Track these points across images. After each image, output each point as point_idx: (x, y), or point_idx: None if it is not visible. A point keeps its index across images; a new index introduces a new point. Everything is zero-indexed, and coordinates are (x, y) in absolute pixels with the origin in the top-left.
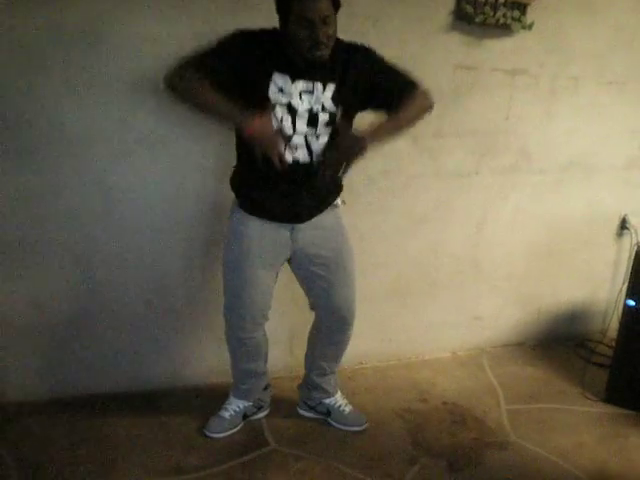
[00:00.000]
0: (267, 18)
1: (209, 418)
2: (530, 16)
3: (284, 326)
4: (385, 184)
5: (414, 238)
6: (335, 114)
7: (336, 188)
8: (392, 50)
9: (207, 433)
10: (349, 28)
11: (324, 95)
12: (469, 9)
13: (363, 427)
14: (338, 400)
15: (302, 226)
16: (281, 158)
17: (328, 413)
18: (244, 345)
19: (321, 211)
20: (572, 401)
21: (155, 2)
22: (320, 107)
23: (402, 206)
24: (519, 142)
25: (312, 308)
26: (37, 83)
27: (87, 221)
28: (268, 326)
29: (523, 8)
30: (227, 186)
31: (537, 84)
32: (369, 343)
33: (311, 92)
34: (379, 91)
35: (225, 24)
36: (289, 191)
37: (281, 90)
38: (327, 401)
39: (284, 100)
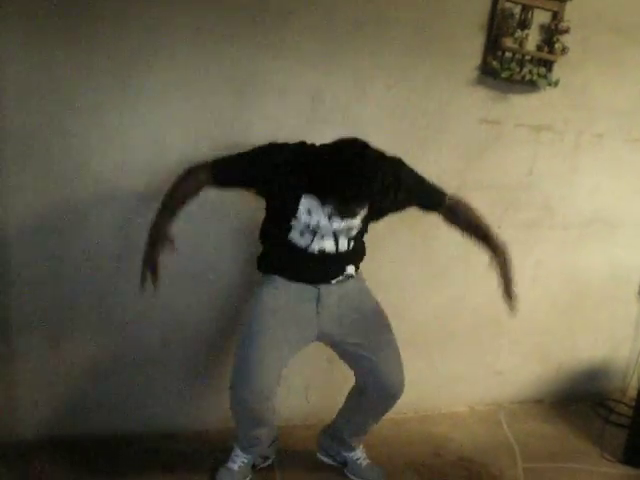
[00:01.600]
0: None
1: (218, 469)
2: (556, 73)
3: (300, 374)
4: (407, 236)
5: (434, 290)
6: (360, 230)
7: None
8: (419, 102)
9: None
10: (378, 79)
11: (353, 222)
12: (495, 64)
13: None
14: (357, 454)
15: (327, 294)
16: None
17: (345, 464)
18: (250, 416)
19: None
20: (590, 461)
21: (182, 48)
22: (347, 227)
23: (423, 258)
24: (542, 197)
25: (356, 380)
26: (68, 123)
27: (106, 262)
28: (285, 375)
29: (549, 65)
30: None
31: (562, 140)
32: None
33: (341, 222)
34: (412, 199)
35: (253, 68)
36: (311, 269)
37: (309, 212)
38: (346, 453)
39: (312, 222)
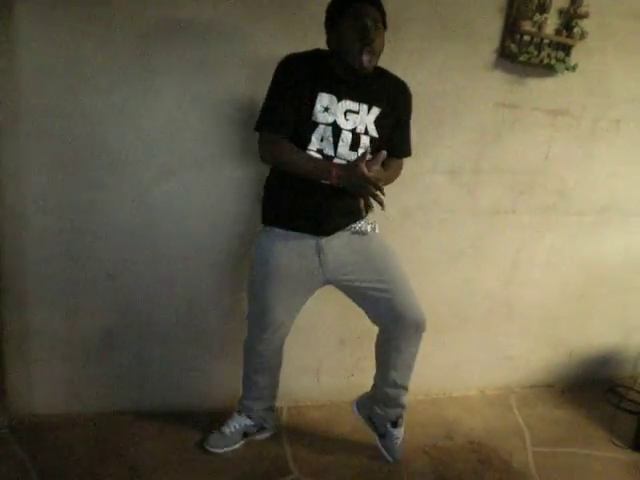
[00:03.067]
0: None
1: (211, 432)
2: (574, 57)
3: (311, 355)
4: (421, 218)
5: (447, 274)
6: (375, 139)
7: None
8: (436, 85)
9: (207, 447)
10: (395, 62)
11: (368, 117)
12: (513, 48)
13: (392, 460)
14: (400, 433)
15: (328, 246)
16: (377, 199)
17: (383, 436)
18: (259, 356)
19: (345, 225)
20: (600, 447)
21: (200, 27)
22: (363, 128)
23: (437, 241)
24: (557, 182)
25: (375, 323)
26: (88, 103)
27: (122, 238)
28: (296, 355)
29: (568, 49)
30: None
31: (578, 125)
32: None
33: (356, 112)
34: (392, 136)
35: (270, 49)
36: (316, 204)
37: (326, 109)
38: (392, 429)
39: (330, 119)
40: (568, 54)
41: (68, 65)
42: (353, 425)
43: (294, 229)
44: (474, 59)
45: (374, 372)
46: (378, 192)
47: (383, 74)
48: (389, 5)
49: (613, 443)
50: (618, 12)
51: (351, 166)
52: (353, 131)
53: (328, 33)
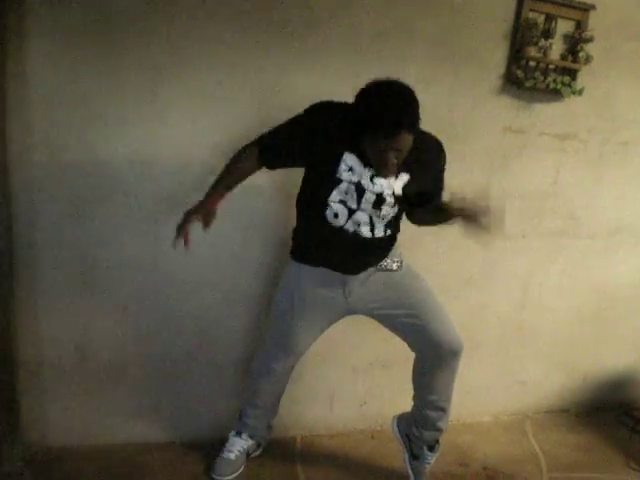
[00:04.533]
0: None
1: (215, 461)
2: (580, 81)
3: (325, 383)
4: (431, 245)
5: (458, 299)
6: (401, 198)
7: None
8: (442, 111)
9: (215, 476)
10: None
11: (396, 183)
12: (519, 73)
13: None
14: (432, 458)
15: (354, 281)
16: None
17: (415, 457)
18: (273, 374)
19: (371, 265)
20: (616, 471)
21: (208, 60)
22: (390, 192)
23: (448, 267)
24: (567, 206)
25: (411, 348)
26: (96, 136)
27: (135, 271)
28: (310, 384)
29: (573, 73)
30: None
31: (586, 149)
32: (410, 403)
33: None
34: (426, 193)
35: (277, 80)
36: (341, 256)
37: (351, 169)
38: (428, 452)
39: (354, 179)
40: (574, 78)
41: (78, 100)
42: (368, 452)
43: (322, 265)
44: (481, 85)
45: (387, 399)
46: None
47: (415, 139)
48: (393, 37)
49: (629, 467)
50: (623, 35)
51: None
52: (379, 194)
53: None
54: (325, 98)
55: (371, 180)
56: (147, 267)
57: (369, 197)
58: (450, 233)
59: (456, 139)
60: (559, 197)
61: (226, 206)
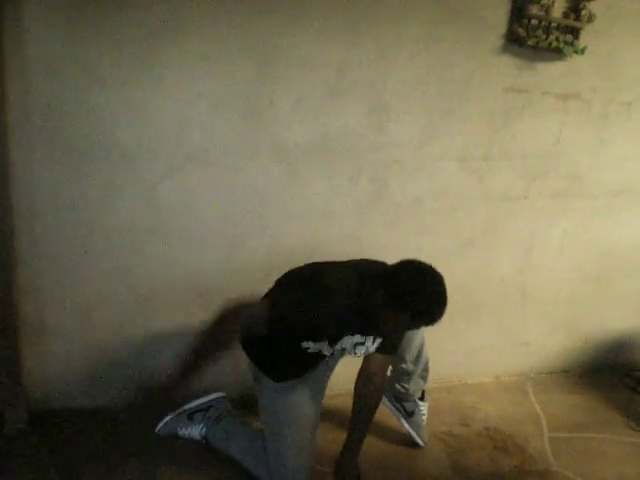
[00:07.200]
0: None
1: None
2: (583, 40)
3: None
4: (432, 206)
5: (460, 261)
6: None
7: None
8: (443, 71)
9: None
10: (400, 48)
11: (373, 346)
12: (521, 32)
13: (423, 444)
14: (425, 407)
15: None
16: None
17: (410, 414)
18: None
19: None
20: (616, 431)
21: (207, 21)
22: (365, 352)
23: (449, 228)
24: (570, 167)
25: None
26: (95, 98)
27: (134, 234)
28: None
29: (576, 32)
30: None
31: (589, 109)
32: None
33: (362, 344)
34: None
35: (276, 41)
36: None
37: (353, 346)
38: (420, 402)
39: (338, 347)
40: (577, 37)
41: (77, 63)
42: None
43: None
44: (481, 44)
45: None
46: None
47: None
48: None
49: (630, 427)
50: None
51: None
52: (355, 355)
53: (386, 303)
54: (324, 60)
55: (354, 348)
56: (146, 231)
57: (346, 355)
58: (451, 194)
59: (457, 99)
60: (562, 157)
61: (225, 168)
